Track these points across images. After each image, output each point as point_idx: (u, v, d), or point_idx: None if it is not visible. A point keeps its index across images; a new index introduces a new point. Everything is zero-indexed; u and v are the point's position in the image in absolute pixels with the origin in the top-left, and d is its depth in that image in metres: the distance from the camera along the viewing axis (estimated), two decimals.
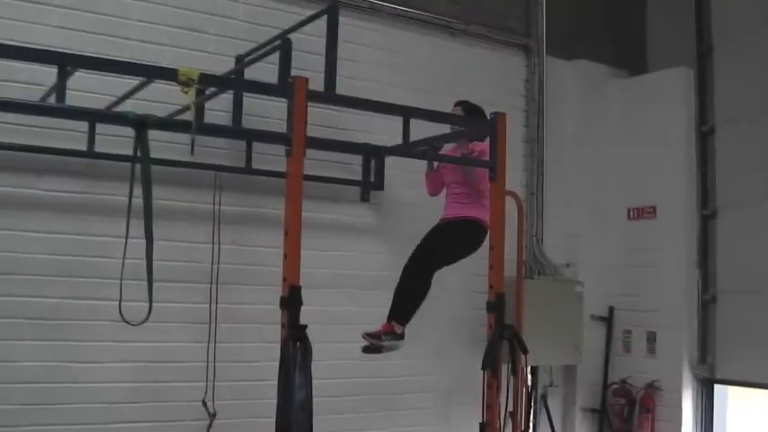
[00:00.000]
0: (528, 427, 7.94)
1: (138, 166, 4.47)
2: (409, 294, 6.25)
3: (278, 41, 5.40)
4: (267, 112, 6.66)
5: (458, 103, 6.70)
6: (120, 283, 4.44)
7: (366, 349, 6.18)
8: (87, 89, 5.53)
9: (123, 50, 6.11)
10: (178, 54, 6.36)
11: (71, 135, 5.89)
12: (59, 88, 4.46)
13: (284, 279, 4.70)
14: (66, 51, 4.79)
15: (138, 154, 4.47)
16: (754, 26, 8.14)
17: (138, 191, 4.44)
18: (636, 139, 8.90)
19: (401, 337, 6.19)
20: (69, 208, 5.99)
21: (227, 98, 6.34)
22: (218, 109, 6.35)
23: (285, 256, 4.71)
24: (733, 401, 8.50)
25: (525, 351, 5.71)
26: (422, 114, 5.92)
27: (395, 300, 6.26)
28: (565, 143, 8.87)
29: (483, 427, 5.60)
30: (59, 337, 5.90)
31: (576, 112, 8.95)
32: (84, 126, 5.89)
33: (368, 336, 6.12)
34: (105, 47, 6.04)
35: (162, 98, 5.66)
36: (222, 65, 6.36)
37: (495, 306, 5.60)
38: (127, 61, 5.05)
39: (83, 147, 5.93)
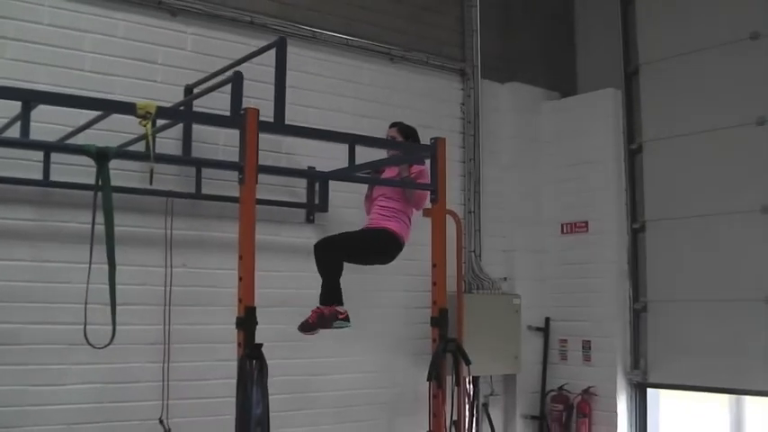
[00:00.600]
0: None
1: (99, 195, 4.67)
2: (327, 275, 6.44)
3: (229, 73, 5.59)
4: (215, 139, 6.90)
5: (393, 125, 7.02)
6: (85, 308, 4.63)
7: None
8: (41, 119, 5.60)
9: (77, 81, 6.26)
10: (129, 84, 6.53)
11: (23, 164, 6.02)
12: (24, 123, 4.66)
13: (240, 300, 4.91)
14: (30, 85, 4.99)
15: (100, 184, 4.68)
16: (678, 48, 8.56)
17: (98, 218, 4.63)
18: (568, 157, 9.26)
19: (346, 316, 6.39)
20: (25, 235, 6.10)
21: (177, 127, 6.53)
22: (168, 137, 6.49)
23: (240, 278, 4.92)
24: (667, 402, 8.86)
25: (468, 362, 5.99)
26: (366, 141, 6.24)
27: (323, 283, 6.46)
28: (500, 162, 9.18)
29: None
30: (19, 362, 6.00)
31: (511, 133, 9.27)
32: (38, 155, 6.04)
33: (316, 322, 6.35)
34: (60, 78, 6.19)
35: (110, 127, 5.79)
36: (171, 94, 6.56)
37: (439, 321, 5.86)
38: (88, 97, 5.27)
39: (37, 176, 6.06)
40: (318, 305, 6.35)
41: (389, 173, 6.85)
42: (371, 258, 6.79)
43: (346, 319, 6.37)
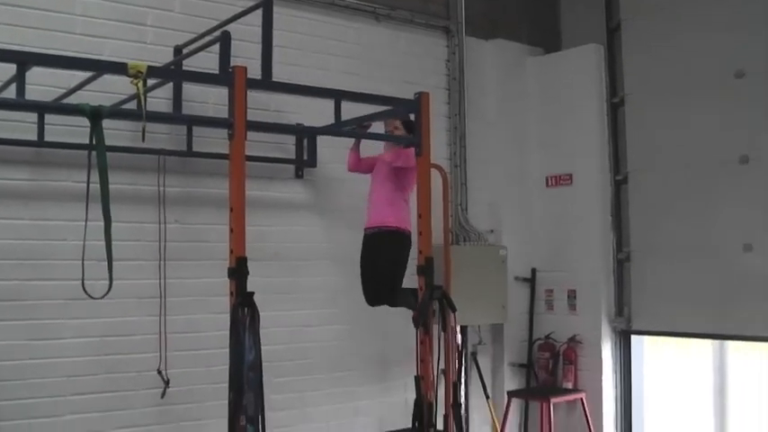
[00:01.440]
0: (459, 380, 8.46)
1: (94, 154, 4.82)
2: (406, 302, 6.85)
3: (218, 33, 5.72)
4: (205, 97, 7.01)
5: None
6: (83, 262, 4.80)
7: None
8: (34, 82, 5.48)
9: (68, 44, 6.34)
10: (119, 46, 6.63)
11: (18, 126, 6.14)
12: (19, 84, 4.83)
13: (231, 251, 5.09)
14: (22, 49, 5.13)
15: (94, 143, 4.83)
16: (658, 2, 8.68)
17: (92, 177, 4.78)
18: (552, 112, 9.40)
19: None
20: (22, 195, 6.24)
21: (167, 86, 6.63)
22: (159, 97, 6.60)
23: (231, 230, 5.09)
24: (651, 351, 9.09)
25: (454, 309, 6.19)
26: (352, 97, 6.39)
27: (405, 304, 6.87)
28: (486, 118, 9.29)
29: (418, 380, 6.06)
30: (18, 317, 6.16)
31: (496, 89, 9.38)
32: (33, 117, 6.17)
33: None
34: (51, 41, 6.25)
35: (102, 88, 5.89)
36: (161, 55, 6.67)
37: (425, 269, 6.07)
38: (82, 58, 5.38)
39: (32, 137, 6.19)
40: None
41: (385, 159, 7.03)
42: (404, 265, 7.00)
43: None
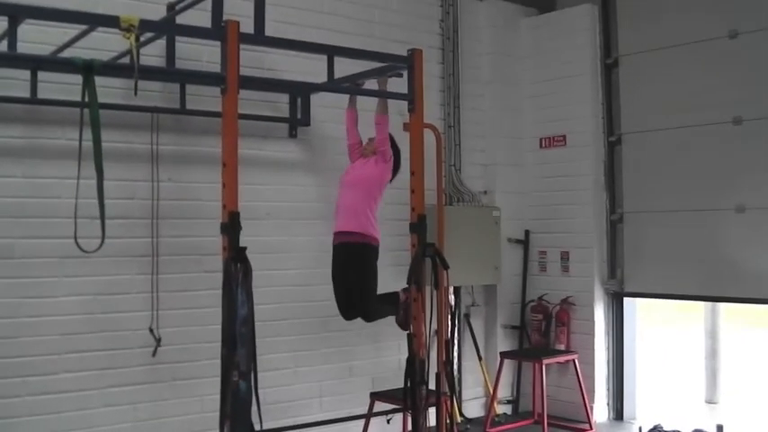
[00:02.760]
0: (452, 339, 8.52)
1: (86, 111, 4.82)
2: (383, 312, 6.98)
3: None
4: (198, 55, 6.98)
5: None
6: (75, 215, 4.84)
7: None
8: (25, 39, 5.54)
9: (61, 2, 6.24)
10: (112, 3, 6.53)
11: (10, 83, 6.09)
12: (11, 39, 4.81)
13: (224, 206, 5.11)
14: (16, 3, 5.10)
15: (86, 98, 4.82)
16: None
17: (85, 135, 4.79)
18: (546, 72, 9.38)
19: (405, 295, 6.74)
20: (15, 152, 6.22)
21: (160, 44, 6.60)
22: (152, 54, 6.61)
23: (224, 185, 5.12)
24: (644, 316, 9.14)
25: (446, 267, 6.21)
26: (344, 53, 6.38)
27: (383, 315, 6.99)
28: (480, 78, 9.31)
29: (410, 337, 6.10)
30: (12, 275, 6.16)
31: (490, 49, 9.37)
32: (25, 74, 6.13)
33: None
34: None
35: (94, 45, 5.88)
36: (155, 13, 6.58)
37: (417, 227, 6.10)
38: (74, 11, 5.31)
39: (24, 94, 6.14)
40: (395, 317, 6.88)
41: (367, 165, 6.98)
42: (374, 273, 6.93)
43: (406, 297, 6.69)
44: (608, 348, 9.00)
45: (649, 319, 9.12)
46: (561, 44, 9.24)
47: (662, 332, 9.46)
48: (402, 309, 6.80)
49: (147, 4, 6.73)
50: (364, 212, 6.72)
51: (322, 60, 6.47)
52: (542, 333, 9.12)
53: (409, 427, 6.67)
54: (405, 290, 6.63)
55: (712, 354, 10.79)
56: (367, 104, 7.10)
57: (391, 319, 7.44)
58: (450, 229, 8.12)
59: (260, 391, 5.14)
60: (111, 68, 5.71)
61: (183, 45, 6.83)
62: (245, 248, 5.02)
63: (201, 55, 6.99)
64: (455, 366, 8.71)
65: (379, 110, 6.75)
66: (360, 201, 6.73)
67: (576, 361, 8.51)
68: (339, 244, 6.85)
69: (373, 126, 6.81)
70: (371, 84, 6.92)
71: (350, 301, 6.88)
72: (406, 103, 6.36)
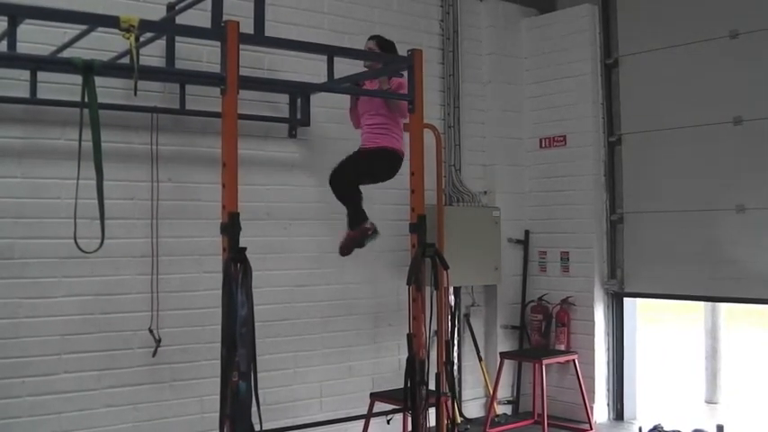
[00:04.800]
0: (452, 339, 8.52)
1: (86, 112, 4.81)
2: (348, 203, 6.76)
3: None
4: (198, 56, 6.99)
5: (371, 38, 7.08)
6: (75, 215, 4.84)
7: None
8: (25, 39, 5.55)
9: (62, 3, 6.25)
10: (112, 3, 6.51)
11: (10, 83, 6.09)
12: (11, 39, 4.81)
13: (223, 207, 5.09)
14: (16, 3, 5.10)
15: (86, 98, 4.81)
16: None
17: (85, 135, 4.78)
18: (546, 72, 9.38)
19: (373, 232, 6.78)
20: (14, 153, 6.22)
21: (160, 44, 6.59)
22: (152, 54, 6.59)
23: (224, 185, 5.10)
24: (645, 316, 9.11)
25: (446, 267, 6.19)
26: (345, 53, 6.37)
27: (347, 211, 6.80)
28: (480, 78, 9.31)
29: (410, 337, 6.06)
30: (12, 275, 6.16)
31: (490, 49, 9.36)
32: (25, 74, 6.12)
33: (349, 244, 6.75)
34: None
35: (94, 46, 5.90)
36: (155, 13, 6.56)
37: (418, 227, 6.08)
38: (73, 11, 5.32)
39: (24, 94, 6.14)
40: (348, 229, 6.74)
41: (370, 85, 6.96)
42: (379, 177, 6.96)
43: (374, 232, 6.76)
44: (608, 348, 8.99)
45: (649, 319, 9.08)
46: (561, 44, 9.24)
47: (662, 332, 9.44)
48: (357, 232, 6.75)
49: (147, 4, 6.75)
50: (393, 131, 6.79)
51: (322, 60, 6.46)
52: (542, 333, 9.11)
53: (409, 427, 6.65)
54: (372, 224, 6.74)
55: (712, 354, 10.78)
56: None
57: (391, 320, 7.47)
58: (450, 229, 8.12)
59: (260, 391, 5.12)
60: (111, 68, 5.71)
61: (183, 45, 6.83)
62: (244, 249, 5.01)
63: (201, 55, 7.00)
64: (455, 367, 8.71)
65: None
66: (386, 121, 6.77)
67: (576, 361, 8.50)
68: (364, 149, 6.89)
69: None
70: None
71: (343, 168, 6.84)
72: (406, 103, 6.34)
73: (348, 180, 6.75)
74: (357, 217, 6.74)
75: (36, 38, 6.02)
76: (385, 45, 6.97)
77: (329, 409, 7.74)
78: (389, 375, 8.03)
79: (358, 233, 6.73)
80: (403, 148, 6.80)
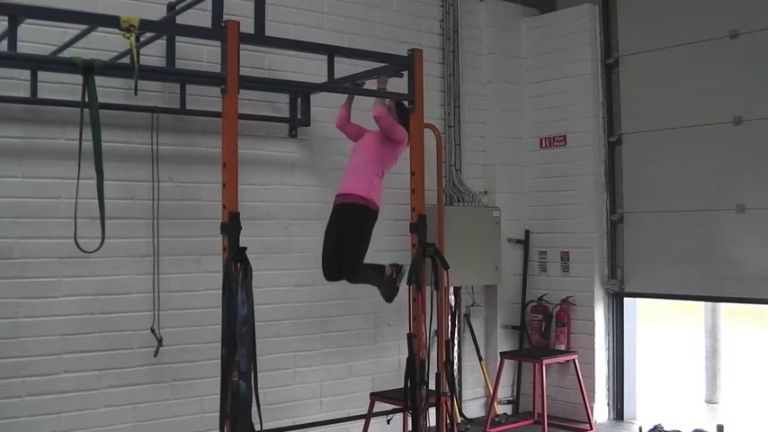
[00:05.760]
0: (452, 339, 8.52)
1: (86, 111, 4.81)
2: (367, 278, 6.84)
3: None
4: (198, 56, 6.98)
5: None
6: (75, 215, 4.84)
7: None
8: (25, 39, 5.55)
9: (62, 3, 6.25)
10: (113, 3, 6.51)
11: (10, 83, 6.10)
12: (11, 38, 4.81)
13: (224, 206, 5.11)
14: (16, 3, 5.11)
15: (86, 98, 4.81)
16: None
17: (85, 135, 4.79)
18: (546, 72, 9.38)
19: (398, 272, 6.78)
20: (14, 152, 6.21)
21: (160, 44, 6.59)
22: (152, 54, 6.60)
23: (224, 185, 5.12)
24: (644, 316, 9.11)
25: (446, 267, 6.20)
26: (344, 52, 6.38)
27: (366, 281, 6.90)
28: (480, 78, 9.31)
29: (410, 337, 6.08)
30: (12, 275, 6.15)
31: (490, 49, 9.36)
32: (25, 74, 6.13)
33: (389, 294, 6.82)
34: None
35: (94, 45, 5.92)
36: (155, 13, 6.55)
37: (417, 227, 6.09)
38: (74, 10, 5.31)
39: (24, 94, 6.14)
40: (378, 288, 6.82)
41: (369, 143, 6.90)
42: (368, 238, 6.85)
43: (399, 272, 6.76)
44: (608, 348, 8.99)
45: (649, 319, 9.08)
46: (561, 44, 9.24)
47: (662, 332, 9.45)
48: (387, 283, 6.77)
49: (147, 4, 6.75)
50: (369, 176, 6.63)
51: (322, 60, 6.47)
52: (542, 333, 9.11)
53: (409, 427, 6.67)
54: (392, 265, 6.71)
55: (712, 354, 10.78)
56: (367, 104, 7.11)
57: (391, 320, 7.46)
58: (450, 229, 8.13)
59: (260, 391, 5.14)
60: (111, 68, 5.70)
61: (183, 45, 6.82)
62: (245, 249, 5.02)
63: (202, 55, 6.99)
64: (455, 366, 8.71)
65: (376, 104, 6.66)
66: (366, 165, 6.67)
67: (577, 361, 8.51)
68: (338, 204, 6.77)
69: (370, 124, 6.78)
70: (372, 84, 6.92)
71: (335, 261, 6.75)
72: (406, 103, 6.35)
73: (360, 270, 6.80)
74: (377, 275, 6.79)
75: (36, 38, 6.02)
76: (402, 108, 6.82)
77: (329, 409, 7.73)
78: (389, 375, 8.04)
79: (388, 285, 6.75)
80: (378, 198, 6.71)
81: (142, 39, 5.76)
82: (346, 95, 7.07)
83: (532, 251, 9.44)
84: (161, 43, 6.62)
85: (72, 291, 6.42)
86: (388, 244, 7.69)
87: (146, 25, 5.10)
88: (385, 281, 6.78)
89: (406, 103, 6.43)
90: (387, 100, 6.66)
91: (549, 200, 9.30)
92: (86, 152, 4.80)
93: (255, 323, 5.08)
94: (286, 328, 7.53)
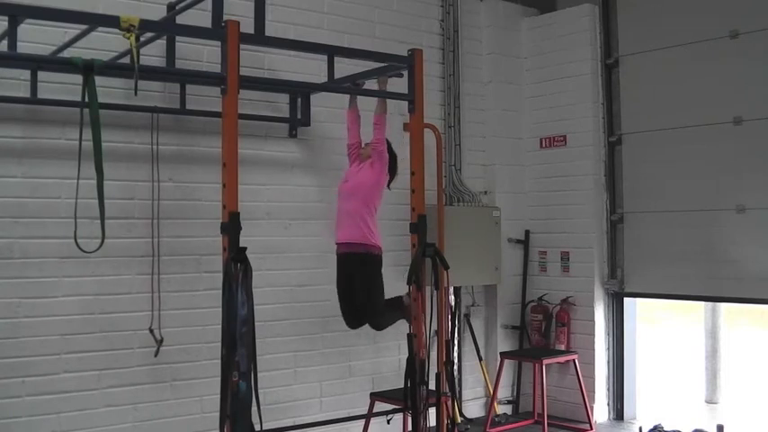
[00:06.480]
0: (452, 339, 8.52)
1: (86, 111, 4.82)
2: (391, 320, 6.88)
3: None
4: (198, 56, 6.98)
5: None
6: (75, 215, 4.85)
7: None
8: (25, 39, 5.53)
9: (62, 3, 6.23)
10: (113, 3, 6.50)
11: (10, 83, 6.10)
12: (11, 38, 4.82)
13: (224, 206, 5.11)
14: (16, 3, 5.11)
15: (86, 98, 4.82)
16: None
17: (85, 135, 4.79)
18: (546, 72, 9.39)
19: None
20: (14, 152, 6.20)
21: (160, 44, 6.58)
22: (152, 54, 6.59)
23: (224, 185, 5.13)
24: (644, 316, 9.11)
25: (446, 267, 6.21)
26: (344, 52, 6.39)
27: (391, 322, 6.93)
28: (480, 78, 9.31)
29: (410, 337, 6.09)
30: (12, 275, 6.14)
31: (490, 49, 9.36)
32: (25, 74, 6.12)
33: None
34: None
35: (94, 46, 5.92)
36: (155, 13, 6.55)
37: (417, 227, 6.10)
38: (74, 10, 5.31)
39: (24, 94, 6.13)
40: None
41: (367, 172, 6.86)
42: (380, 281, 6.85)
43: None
44: (608, 348, 8.99)
45: (649, 319, 9.08)
46: (561, 44, 9.25)
47: (662, 332, 9.44)
48: (408, 312, 6.76)
49: (147, 4, 6.75)
50: (364, 221, 6.60)
51: (322, 60, 6.48)
52: (542, 333, 9.11)
53: (409, 427, 6.67)
54: (408, 294, 6.62)
55: (712, 354, 10.78)
56: (368, 104, 7.12)
57: (400, 327, 7.44)
58: (450, 229, 8.13)
59: (260, 391, 5.15)
60: (111, 68, 5.71)
61: (183, 45, 6.82)
62: (245, 249, 5.02)
63: (202, 55, 6.99)
64: (455, 366, 8.71)
65: (378, 110, 6.72)
66: (359, 209, 6.62)
67: (577, 361, 8.51)
68: (343, 254, 6.77)
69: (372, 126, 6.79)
70: (372, 84, 6.93)
71: (357, 313, 6.83)
72: (406, 103, 6.36)
73: (382, 320, 6.89)
74: (398, 311, 6.78)
75: (36, 38, 6.01)
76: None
77: (329, 409, 7.73)
78: (389, 375, 8.04)
79: (407, 312, 6.62)
80: (380, 242, 6.73)
81: (142, 39, 5.76)
82: (347, 96, 7.08)
83: (532, 251, 9.44)
84: (161, 43, 6.61)
85: (72, 291, 6.41)
86: (388, 244, 7.63)
87: (146, 25, 5.11)
88: (406, 311, 6.70)
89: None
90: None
91: (549, 200, 9.30)
92: (86, 152, 4.80)
93: (255, 323, 5.08)
94: (286, 327, 7.52)
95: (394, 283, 7.12)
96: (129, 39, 4.86)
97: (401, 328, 6.84)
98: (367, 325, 6.98)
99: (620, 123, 8.98)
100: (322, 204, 7.63)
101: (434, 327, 7.60)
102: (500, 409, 8.96)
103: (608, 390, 8.98)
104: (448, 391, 7.00)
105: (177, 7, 6.43)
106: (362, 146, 6.91)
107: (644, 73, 8.74)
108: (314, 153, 7.77)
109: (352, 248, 6.68)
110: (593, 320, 8.89)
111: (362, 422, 7.37)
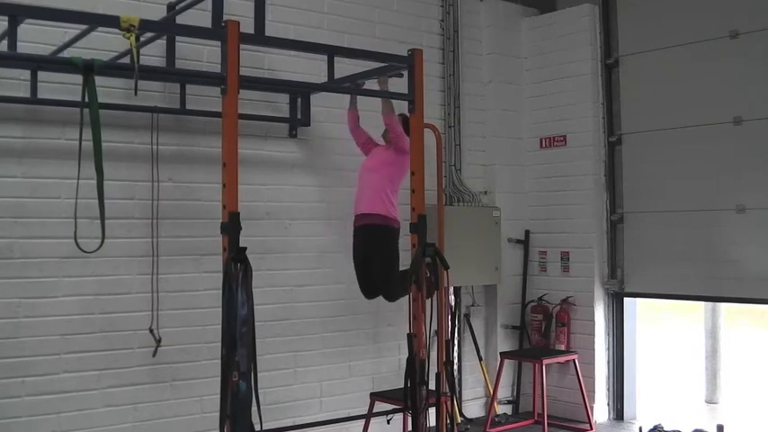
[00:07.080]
0: (452, 339, 8.52)
1: (86, 111, 4.82)
2: (404, 290, 6.61)
3: None
4: (198, 56, 6.98)
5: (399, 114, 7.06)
6: (75, 215, 4.85)
7: None
8: (25, 39, 5.53)
9: (62, 3, 6.21)
10: (113, 3, 6.50)
11: (10, 83, 6.09)
12: (11, 38, 4.82)
13: (224, 206, 5.11)
14: (16, 3, 5.11)
15: (86, 98, 4.82)
16: None
17: (85, 135, 4.79)
18: (546, 72, 9.38)
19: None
20: (14, 152, 6.20)
21: (160, 44, 6.58)
22: (152, 54, 6.59)
23: (224, 185, 5.12)
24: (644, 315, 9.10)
25: (446, 267, 6.21)
26: (345, 53, 6.37)
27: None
28: (480, 78, 9.31)
29: (410, 337, 6.07)
30: (12, 275, 6.14)
31: (490, 49, 9.36)
32: (25, 74, 6.12)
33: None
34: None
35: (94, 46, 5.92)
36: (155, 13, 6.54)
37: (418, 227, 6.09)
38: (74, 10, 5.31)
39: (24, 94, 6.13)
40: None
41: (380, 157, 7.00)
42: (397, 255, 7.05)
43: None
44: (608, 348, 8.99)
45: (649, 319, 9.07)
46: (561, 44, 9.25)
47: (662, 332, 9.43)
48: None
49: (147, 4, 6.75)
50: (386, 194, 6.84)
51: (322, 60, 6.47)
52: (542, 333, 9.11)
53: (409, 427, 6.67)
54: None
55: (712, 354, 10.78)
56: (368, 104, 7.12)
57: (391, 320, 7.45)
58: (450, 229, 8.12)
59: (260, 391, 5.14)
60: (111, 68, 5.70)
61: (183, 45, 6.82)
62: (245, 249, 5.02)
63: (202, 55, 6.99)
64: (455, 366, 8.71)
65: (386, 110, 6.74)
66: (381, 183, 6.85)
67: (577, 361, 8.51)
68: (361, 226, 6.96)
69: (374, 126, 6.80)
70: (372, 84, 6.93)
71: (372, 284, 7.02)
72: (406, 103, 6.35)
73: (396, 291, 6.95)
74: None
75: (36, 38, 6.01)
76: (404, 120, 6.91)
77: (329, 409, 7.73)
78: (389, 375, 8.04)
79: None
80: (395, 214, 6.94)
81: (142, 39, 5.75)
82: (347, 97, 7.08)
83: (532, 251, 9.44)
84: (161, 43, 6.60)
85: (72, 291, 6.40)
86: None
87: (146, 25, 5.10)
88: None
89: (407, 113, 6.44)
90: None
91: (549, 200, 9.30)
92: (86, 152, 4.80)
93: (255, 323, 5.07)
94: (286, 328, 7.51)
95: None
96: (129, 39, 4.85)
97: (401, 328, 6.85)
98: (367, 325, 6.99)
99: (620, 123, 8.98)
100: (322, 204, 7.63)
101: (434, 327, 7.60)
102: (500, 409, 8.96)
103: (608, 390, 8.97)
104: (448, 391, 6.99)
105: (177, 7, 6.42)
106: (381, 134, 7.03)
107: (644, 73, 8.74)
108: (314, 153, 7.76)
109: (372, 220, 6.89)
110: (593, 320, 8.89)
111: (362, 422, 7.37)
